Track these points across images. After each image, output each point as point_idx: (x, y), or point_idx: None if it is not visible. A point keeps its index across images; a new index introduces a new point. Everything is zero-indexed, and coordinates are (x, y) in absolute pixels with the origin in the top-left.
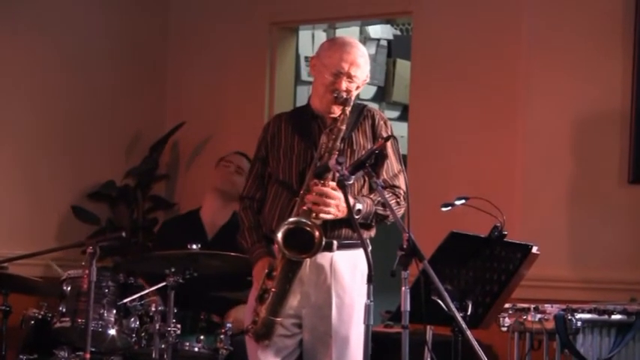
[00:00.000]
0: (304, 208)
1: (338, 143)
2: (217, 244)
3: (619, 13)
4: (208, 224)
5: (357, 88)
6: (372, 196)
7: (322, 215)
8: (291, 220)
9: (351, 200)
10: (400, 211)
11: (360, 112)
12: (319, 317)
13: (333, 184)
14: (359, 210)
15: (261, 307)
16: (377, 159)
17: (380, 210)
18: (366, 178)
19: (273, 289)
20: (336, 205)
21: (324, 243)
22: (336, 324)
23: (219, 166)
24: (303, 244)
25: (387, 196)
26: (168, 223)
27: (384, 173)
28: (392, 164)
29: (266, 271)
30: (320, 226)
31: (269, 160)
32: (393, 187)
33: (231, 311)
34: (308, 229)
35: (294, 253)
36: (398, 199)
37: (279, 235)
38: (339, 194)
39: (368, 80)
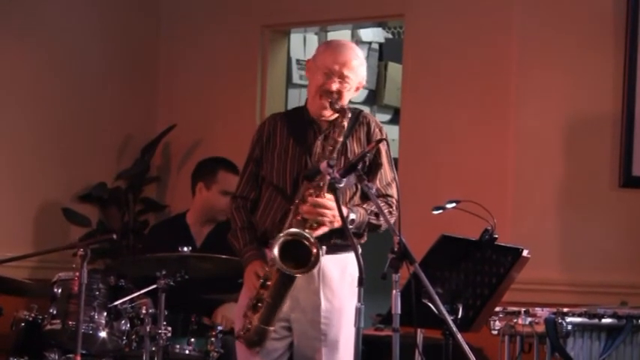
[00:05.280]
0: (298, 218)
1: (335, 155)
2: (206, 251)
3: (610, 14)
4: (195, 232)
5: (351, 90)
6: (364, 205)
7: (319, 229)
8: (290, 231)
9: (345, 210)
10: (391, 220)
11: (355, 118)
12: (308, 321)
13: (330, 196)
14: (353, 220)
15: (253, 316)
16: (370, 168)
17: (373, 219)
18: (358, 187)
19: (267, 300)
20: (332, 216)
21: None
22: (325, 328)
23: (226, 196)
24: (298, 256)
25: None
26: (157, 228)
27: (378, 182)
28: (385, 173)
29: (261, 280)
30: (317, 242)
31: (263, 162)
32: (385, 197)
33: (218, 310)
34: (306, 243)
35: (289, 267)
36: (390, 209)
37: (276, 250)
38: (334, 204)
39: (364, 84)
